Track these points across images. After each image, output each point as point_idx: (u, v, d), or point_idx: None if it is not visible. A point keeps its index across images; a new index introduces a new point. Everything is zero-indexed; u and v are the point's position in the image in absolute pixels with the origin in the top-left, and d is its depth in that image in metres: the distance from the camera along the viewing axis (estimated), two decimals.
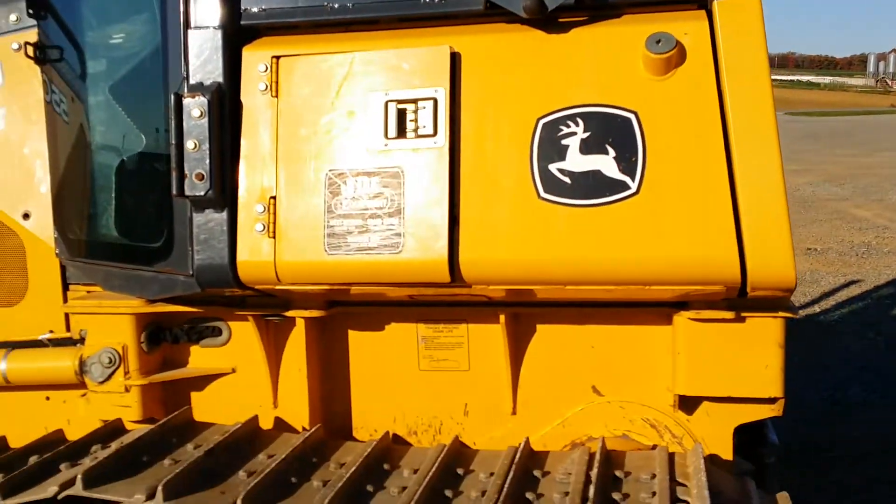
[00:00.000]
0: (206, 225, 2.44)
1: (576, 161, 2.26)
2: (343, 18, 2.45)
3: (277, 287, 2.47)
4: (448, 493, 2.28)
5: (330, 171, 2.39)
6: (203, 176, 2.37)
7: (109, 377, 2.88)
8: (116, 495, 2.18)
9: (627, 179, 2.22)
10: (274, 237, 2.41)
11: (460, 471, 2.42)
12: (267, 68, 2.44)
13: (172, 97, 2.37)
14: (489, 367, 2.81)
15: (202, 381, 3.00)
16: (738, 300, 2.38)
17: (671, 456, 2.43)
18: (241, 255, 2.43)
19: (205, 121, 2.37)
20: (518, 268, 2.31)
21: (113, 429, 2.74)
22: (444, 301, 2.67)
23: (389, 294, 2.55)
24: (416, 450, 2.63)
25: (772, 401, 2.53)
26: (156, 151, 2.65)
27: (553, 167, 2.27)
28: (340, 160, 2.38)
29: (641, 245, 2.22)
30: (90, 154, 2.85)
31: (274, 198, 2.42)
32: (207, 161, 2.37)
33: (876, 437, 5.91)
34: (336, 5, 2.44)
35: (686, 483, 2.21)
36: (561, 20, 2.32)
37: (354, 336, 2.89)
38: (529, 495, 2.20)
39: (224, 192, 2.42)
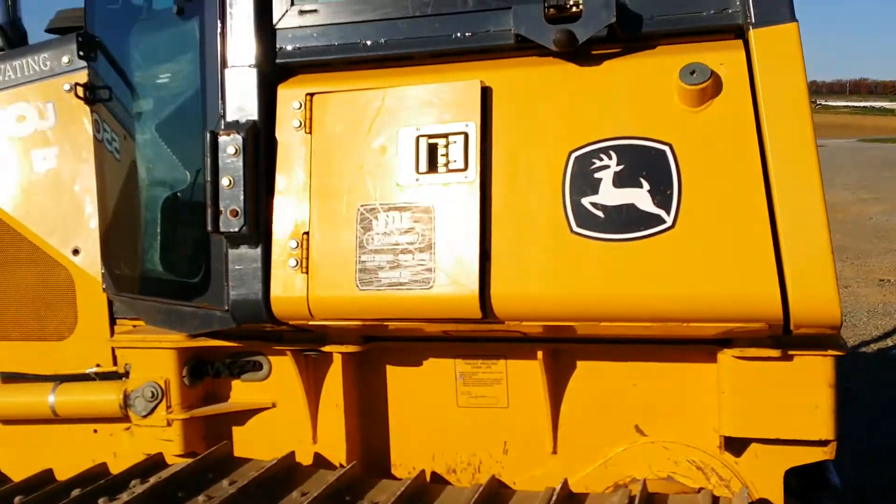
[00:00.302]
0: (241, 261, 2.46)
1: (609, 195, 2.20)
2: (376, 55, 2.46)
3: (311, 322, 2.47)
4: None
5: (362, 206, 2.38)
6: (237, 212, 2.39)
7: (152, 411, 2.91)
8: None
9: (662, 213, 2.16)
10: (307, 273, 2.41)
11: None
12: (301, 105, 2.46)
13: (208, 135, 2.41)
14: (528, 404, 2.75)
15: (243, 416, 3.01)
16: (784, 337, 2.29)
17: (715, 500, 2.34)
18: (275, 291, 2.44)
19: (239, 158, 2.39)
20: (550, 304, 2.26)
21: (153, 463, 2.76)
22: (481, 337, 2.63)
23: (424, 329, 2.53)
24: (451, 489, 2.58)
25: (823, 443, 2.41)
26: (196, 188, 2.69)
27: (586, 201, 2.22)
28: (372, 195, 2.38)
29: (677, 281, 2.14)
30: (134, 191, 2.91)
31: (307, 233, 2.42)
32: (242, 198, 2.39)
33: None
34: (369, 42, 2.45)
35: None
36: (594, 52, 2.29)
37: (392, 371, 2.87)
38: None
39: (258, 229, 2.44)
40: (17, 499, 2.51)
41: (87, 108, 3.05)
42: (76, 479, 2.69)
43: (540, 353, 2.60)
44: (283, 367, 2.90)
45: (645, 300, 2.18)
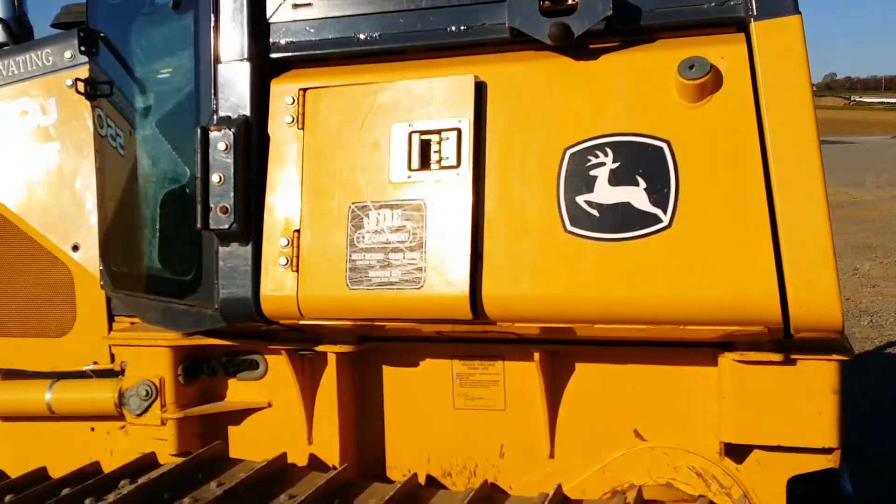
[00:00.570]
0: (231, 258, 2.42)
1: (604, 193, 2.14)
2: (371, 49, 2.42)
3: (301, 322, 2.42)
4: None
5: (353, 203, 2.34)
6: (227, 209, 2.36)
7: (147, 410, 2.88)
8: None
9: (659, 212, 2.10)
10: (297, 271, 2.37)
11: None
12: (294, 100, 2.42)
13: (199, 131, 2.37)
14: (526, 406, 2.69)
15: (239, 415, 2.97)
16: (787, 341, 2.21)
17: None
18: (265, 290, 2.40)
19: (230, 154, 2.36)
20: (543, 305, 2.20)
21: (145, 462, 2.73)
22: (478, 337, 2.57)
23: (417, 330, 2.48)
24: (443, 493, 2.53)
25: (827, 451, 2.34)
26: (191, 185, 2.66)
27: (580, 199, 2.16)
28: (364, 193, 2.33)
29: (674, 282, 2.08)
30: (131, 187, 2.89)
31: (298, 231, 2.38)
32: (232, 194, 2.36)
33: None
34: (363, 36, 2.41)
35: None
36: (591, 46, 2.23)
37: (388, 372, 2.82)
38: None
39: (249, 226, 2.40)
40: (7, 497, 2.49)
41: (88, 104, 3.03)
42: (67, 478, 2.67)
43: (536, 355, 2.54)
44: (278, 367, 2.87)
45: (640, 302, 2.11)
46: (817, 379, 2.28)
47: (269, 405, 2.93)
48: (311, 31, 2.45)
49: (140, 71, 2.92)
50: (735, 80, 2.09)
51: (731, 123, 2.08)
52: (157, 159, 2.88)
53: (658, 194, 2.10)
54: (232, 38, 2.44)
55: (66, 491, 2.49)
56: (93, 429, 3.15)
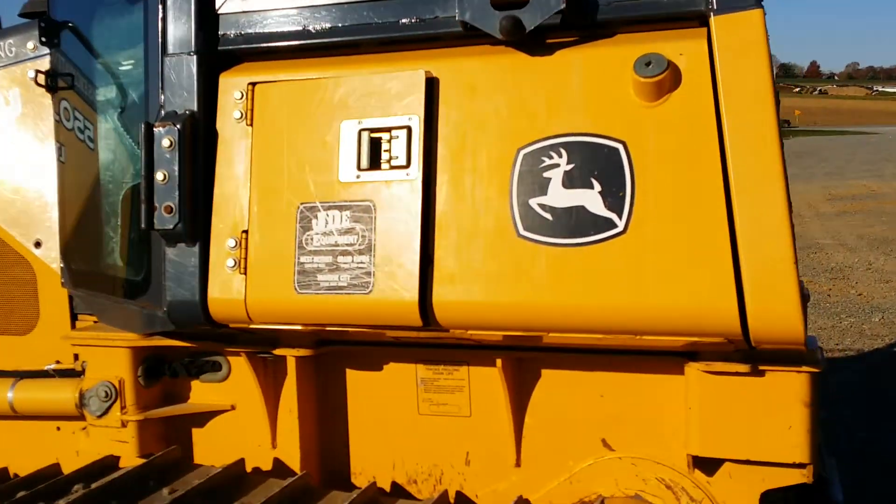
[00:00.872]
0: (178, 260, 2.34)
1: (558, 196, 2.03)
2: (322, 42, 2.32)
3: (251, 326, 2.34)
4: None
5: (302, 204, 2.24)
6: (172, 209, 2.27)
7: (107, 411, 2.81)
8: None
9: (614, 217, 1.98)
10: (245, 273, 2.28)
11: None
12: (242, 95, 2.32)
13: (143, 126, 2.28)
14: (492, 413, 2.59)
15: (203, 418, 2.90)
16: (755, 351, 2.10)
17: None
18: (213, 292, 2.32)
19: (175, 151, 2.27)
20: (496, 312, 2.10)
21: (102, 466, 2.66)
22: (438, 342, 2.48)
23: (377, 334, 2.38)
24: (402, 503, 2.44)
25: (800, 465, 2.22)
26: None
27: (533, 202, 2.05)
28: (312, 193, 2.24)
29: (628, 290, 1.97)
30: (87, 184, 2.81)
31: (246, 232, 2.29)
32: (177, 193, 2.27)
33: None
34: (314, 29, 2.30)
35: None
36: (548, 41, 2.11)
37: (351, 376, 2.73)
38: None
39: (195, 226, 2.31)
40: None
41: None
42: (25, 480, 2.61)
43: (499, 361, 2.44)
44: (241, 369, 2.78)
45: (594, 311, 2.01)
46: (787, 391, 2.16)
47: (233, 408, 2.85)
48: (262, 22, 2.35)
49: (100, 63, 2.85)
50: (694, 78, 1.97)
51: (690, 124, 1.96)
52: (115, 154, 2.80)
53: (613, 198, 1.99)
54: (179, 29, 2.35)
55: (21, 494, 2.44)
56: (59, 428, 3.09)
